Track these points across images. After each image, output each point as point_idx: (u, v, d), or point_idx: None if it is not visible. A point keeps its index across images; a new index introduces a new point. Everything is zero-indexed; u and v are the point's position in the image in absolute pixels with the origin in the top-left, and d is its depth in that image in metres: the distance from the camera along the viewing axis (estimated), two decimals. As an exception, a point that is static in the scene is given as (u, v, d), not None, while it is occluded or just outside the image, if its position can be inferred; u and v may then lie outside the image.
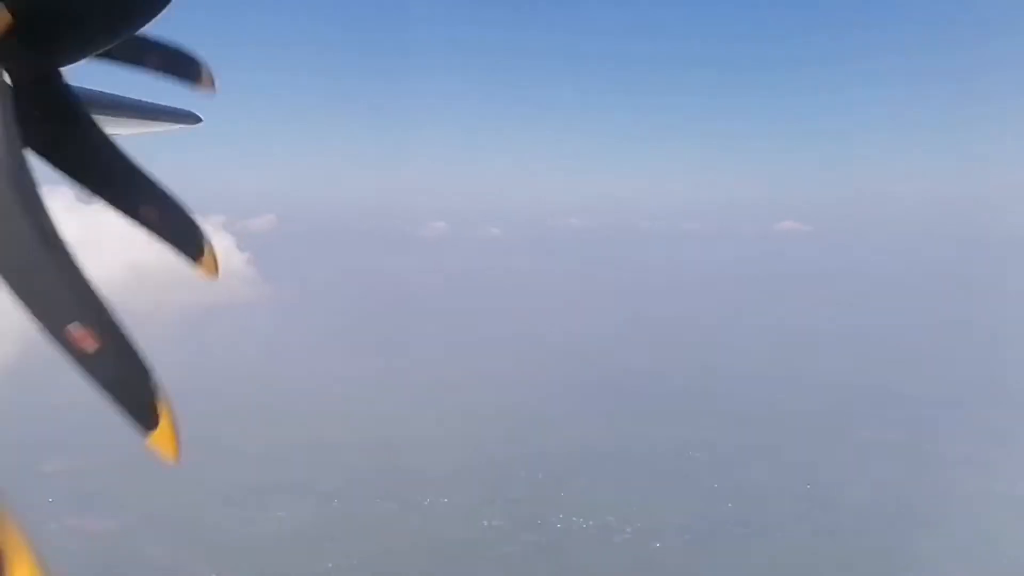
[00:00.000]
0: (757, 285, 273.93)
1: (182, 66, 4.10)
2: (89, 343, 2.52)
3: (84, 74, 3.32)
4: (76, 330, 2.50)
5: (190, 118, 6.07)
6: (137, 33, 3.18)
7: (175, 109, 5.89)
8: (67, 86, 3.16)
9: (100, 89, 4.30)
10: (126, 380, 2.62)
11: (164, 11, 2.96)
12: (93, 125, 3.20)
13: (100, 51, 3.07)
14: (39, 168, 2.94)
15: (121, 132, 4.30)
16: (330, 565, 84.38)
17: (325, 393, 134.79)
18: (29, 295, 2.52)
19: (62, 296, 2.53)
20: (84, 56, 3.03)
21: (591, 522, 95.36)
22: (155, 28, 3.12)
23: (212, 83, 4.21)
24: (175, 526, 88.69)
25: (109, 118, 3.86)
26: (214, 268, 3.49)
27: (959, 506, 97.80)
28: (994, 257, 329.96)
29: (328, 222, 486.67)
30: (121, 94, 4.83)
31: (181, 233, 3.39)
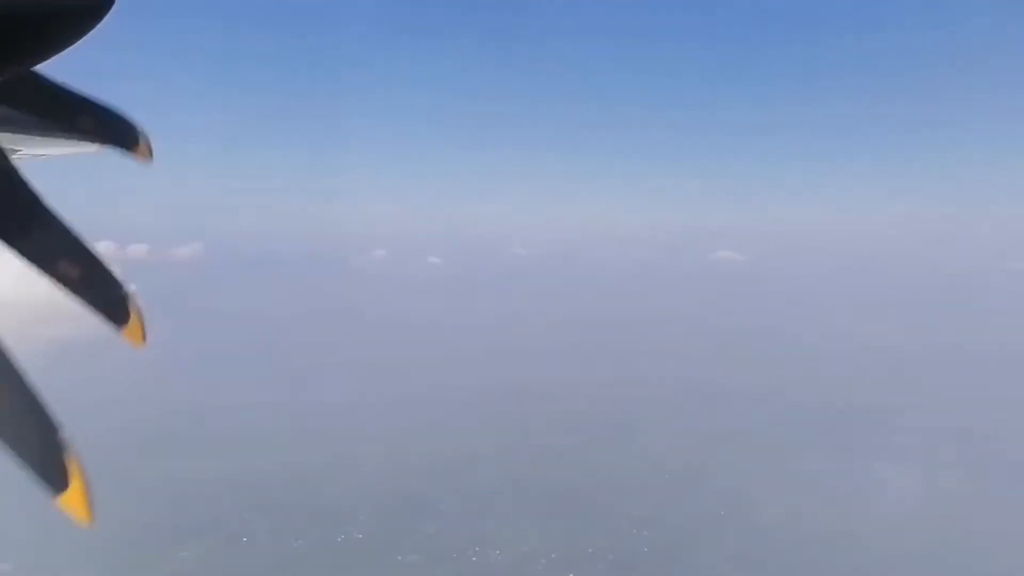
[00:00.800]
0: (688, 323, 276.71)
1: (117, 131, 3.69)
2: None
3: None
4: None
5: None
6: (69, 91, 3.10)
7: None
8: None
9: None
10: (31, 436, 2.42)
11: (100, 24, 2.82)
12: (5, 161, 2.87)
13: (35, 65, 2.82)
14: None
15: (51, 152, 3.77)
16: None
17: (229, 427, 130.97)
18: None
19: None
20: (10, 72, 2.74)
21: (507, 554, 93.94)
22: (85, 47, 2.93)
23: (150, 152, 3.78)
24: (72, 570, 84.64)
25: (37, 136, 3.44)
26: (141, 335, 3.06)
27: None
28: (941, 291, 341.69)
29: (263, 250, 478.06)
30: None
31: (106, 295, 3.00)
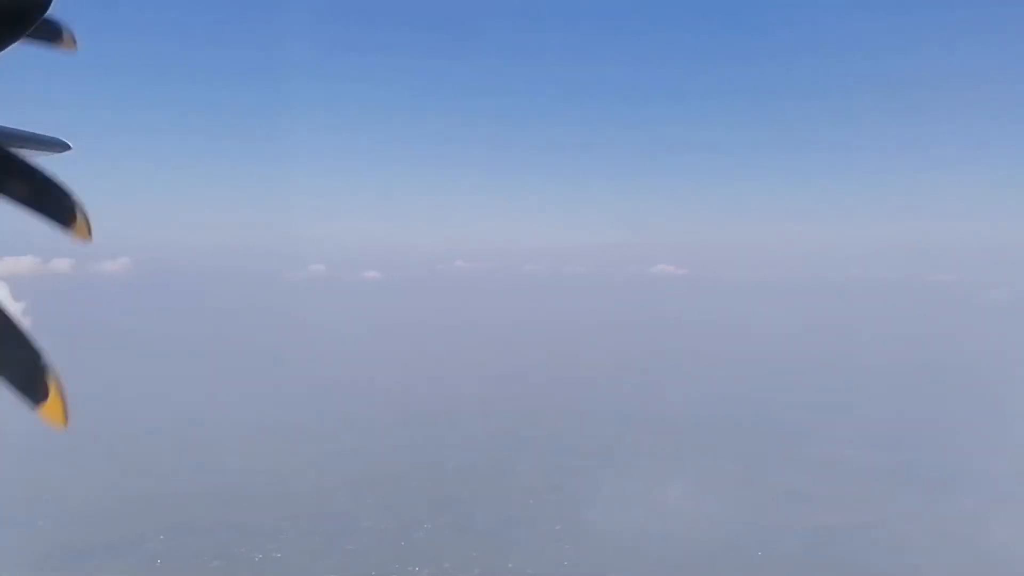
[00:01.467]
0: (627, 337, 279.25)
1: (52, 202, 3.39)
2: None
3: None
4: None
5: (58, 145, 5.38)
6: (11, 152, 3.11)
7: (41, 136, 5.26)
8: None
9: None
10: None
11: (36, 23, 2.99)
12: None
13: None
14: None
15: None
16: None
17: (147, 445, 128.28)
18: None
19: None
20: None
21: (428, 570, 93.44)
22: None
23: (88, 230, 3.50)
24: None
25: None
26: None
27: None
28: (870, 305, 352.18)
29: (193, 265, 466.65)
30: None
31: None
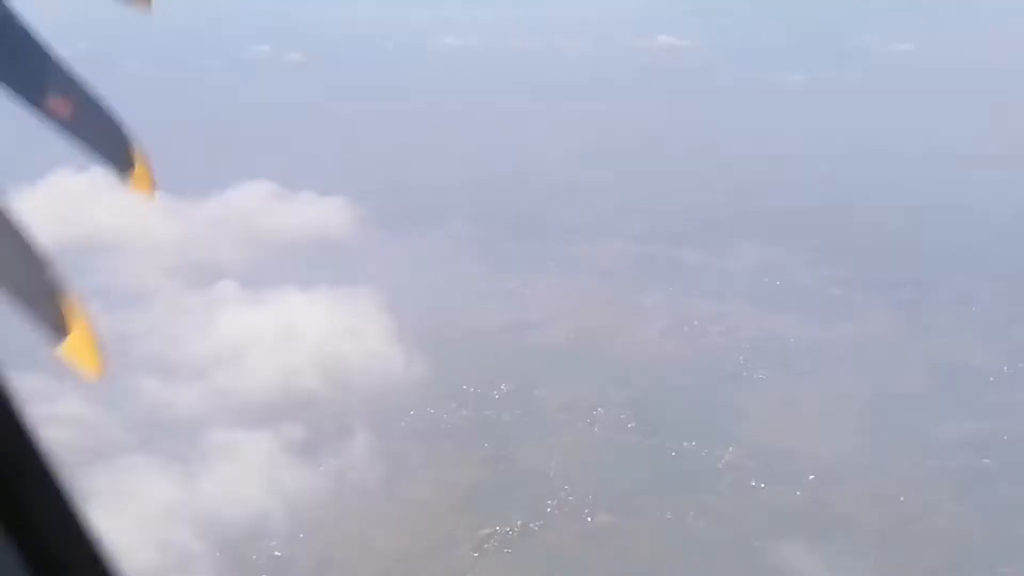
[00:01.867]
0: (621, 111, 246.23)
1: (108, 141, 2.64)
2: None
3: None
4: None
5: None
6: (56, 63, 2.57)
7: None
8: None
9: None
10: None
11: None
12: None
13: None
14: None
15: None
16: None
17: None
18: None
19: None
20: None
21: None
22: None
23: (150, 182, 2.74)
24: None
25: None
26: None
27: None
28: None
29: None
30: None
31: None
